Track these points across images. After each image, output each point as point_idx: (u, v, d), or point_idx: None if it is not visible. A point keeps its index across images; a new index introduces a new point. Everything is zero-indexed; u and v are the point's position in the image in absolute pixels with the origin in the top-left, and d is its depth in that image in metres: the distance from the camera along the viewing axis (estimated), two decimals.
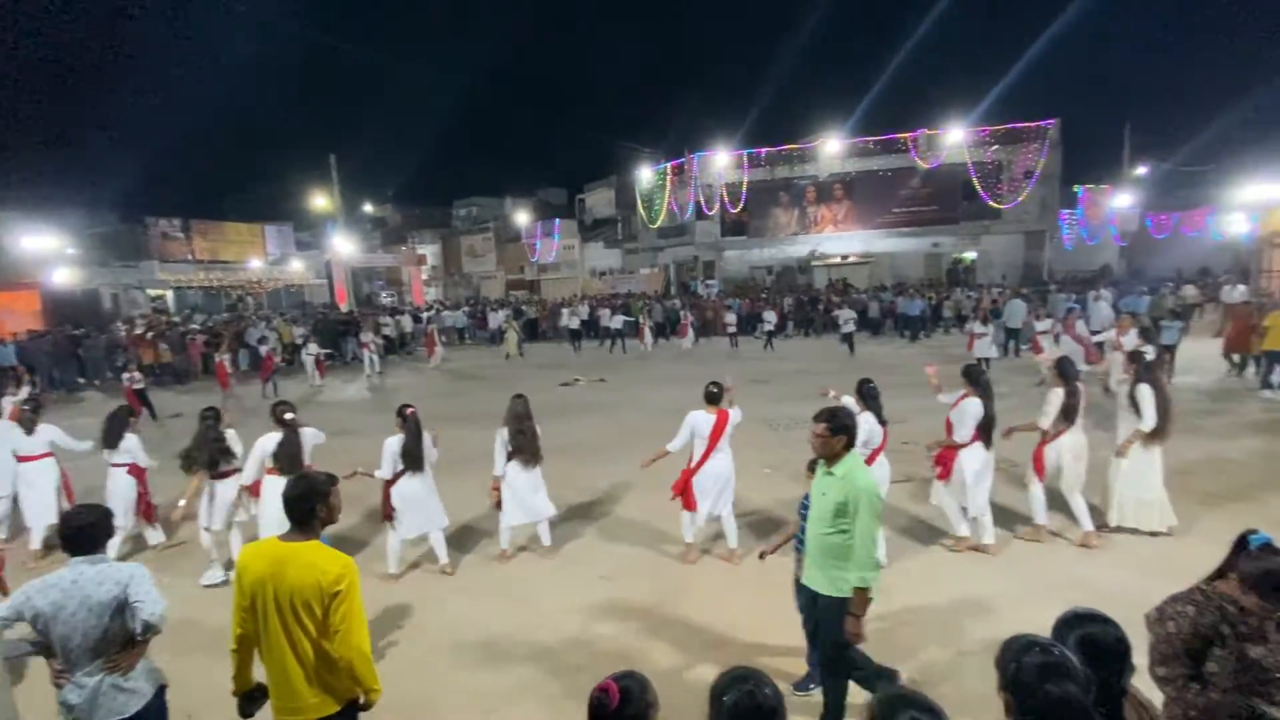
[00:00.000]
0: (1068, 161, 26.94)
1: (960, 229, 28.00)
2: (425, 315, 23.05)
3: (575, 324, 20.13)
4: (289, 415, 4.76)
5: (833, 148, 28.13)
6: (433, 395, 13.30)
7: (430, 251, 38.38)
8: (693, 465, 4.88)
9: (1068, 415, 5.02)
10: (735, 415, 4.91)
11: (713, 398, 4.90)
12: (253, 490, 4.96)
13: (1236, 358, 11.03)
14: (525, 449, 5.07)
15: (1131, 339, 7.85)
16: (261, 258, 33.52)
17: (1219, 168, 24.72)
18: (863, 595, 2.91)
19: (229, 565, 5.20)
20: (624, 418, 9.98)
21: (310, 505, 2.24)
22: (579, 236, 36.06)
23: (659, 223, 31.46)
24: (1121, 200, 26.72)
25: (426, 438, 4.98)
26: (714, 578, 4.88)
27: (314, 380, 15.27)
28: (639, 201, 32.28)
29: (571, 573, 5.03)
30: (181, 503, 4.96)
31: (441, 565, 5.08)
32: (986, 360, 12.31)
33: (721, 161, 29.32)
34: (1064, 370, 5.11)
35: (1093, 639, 1.75)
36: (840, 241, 29.15)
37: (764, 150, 29.21)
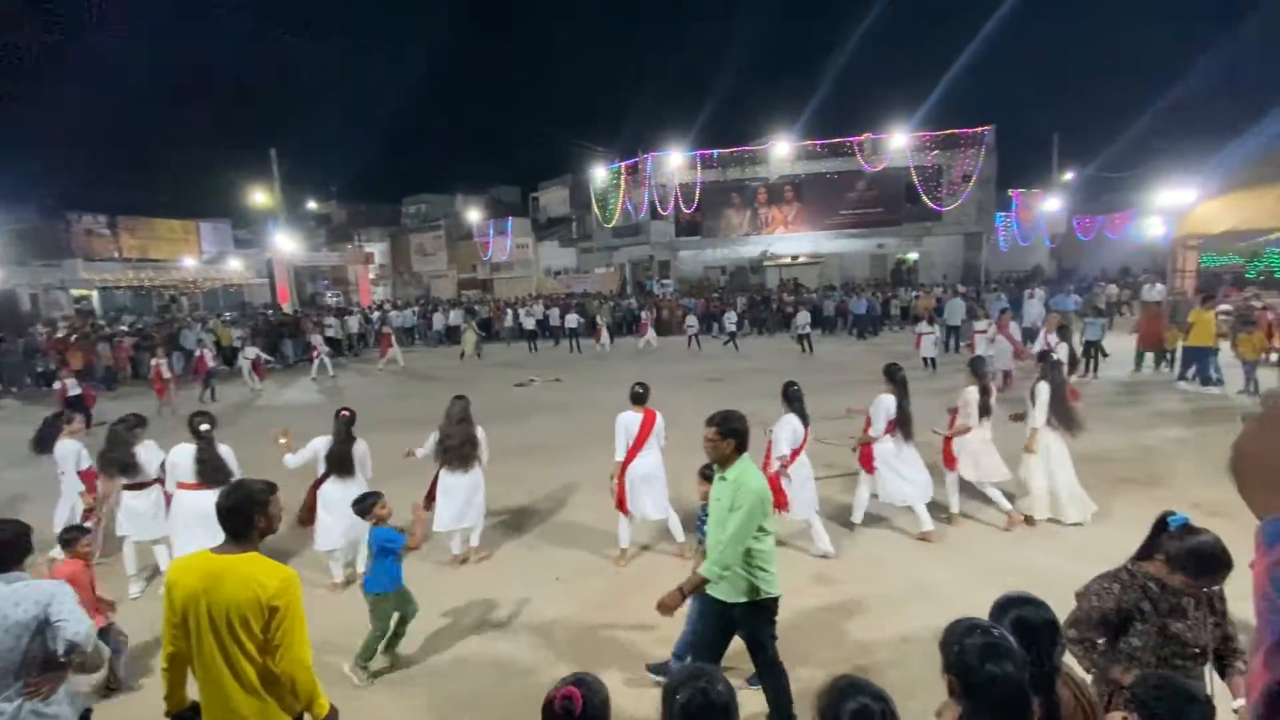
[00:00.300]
0: (1002, 166, 28.36)
1: (903, 230, 29.03)
2: (377, 315, 22.37)
3: (531, 324, 19.96)
4: (204, 427, 4.55)
5: (782, 150, 28.70)
6: (384, 397, 12.94)
7: (378, 250, 37.36)
8: (621, 465, 4.93)
9: (982, 412, 5.38)
10: (659, 422, 4.95)
11: (638, 398, 4.96)
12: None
13: (1152, 355, 11.73)
14: (451, 454, 4.98)
15: (1052, 338, 8.30)
16: (196, 256, 31.91)
17: (1139, 174, 26.39)
18: (699, 581, 2.84)
19: (152, 577, 4.98)
20: (579, 417, 9.94)
21: (247, 515, 2.14)
22: (533, 235, 35.69)
23: (614, 222, 31.44)
24: (1051, 204, 28.27)
25: (361, 445, 4.80)
26: (667, 574, 4.92)
27: (253, 384, 14.63)
28: (593, 200, 32.18)
29: (525, 576, 4.99)
30: (83, 508, 4.74)
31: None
32: (932, 360, 12.82)
33: (675, 162, 29.51)
34: (975, 369, 5.49)
35: (1026, 620, 1.86)
36: (791, 242, 29.78)
37: (716, 151, 29.57)
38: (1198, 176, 17.63)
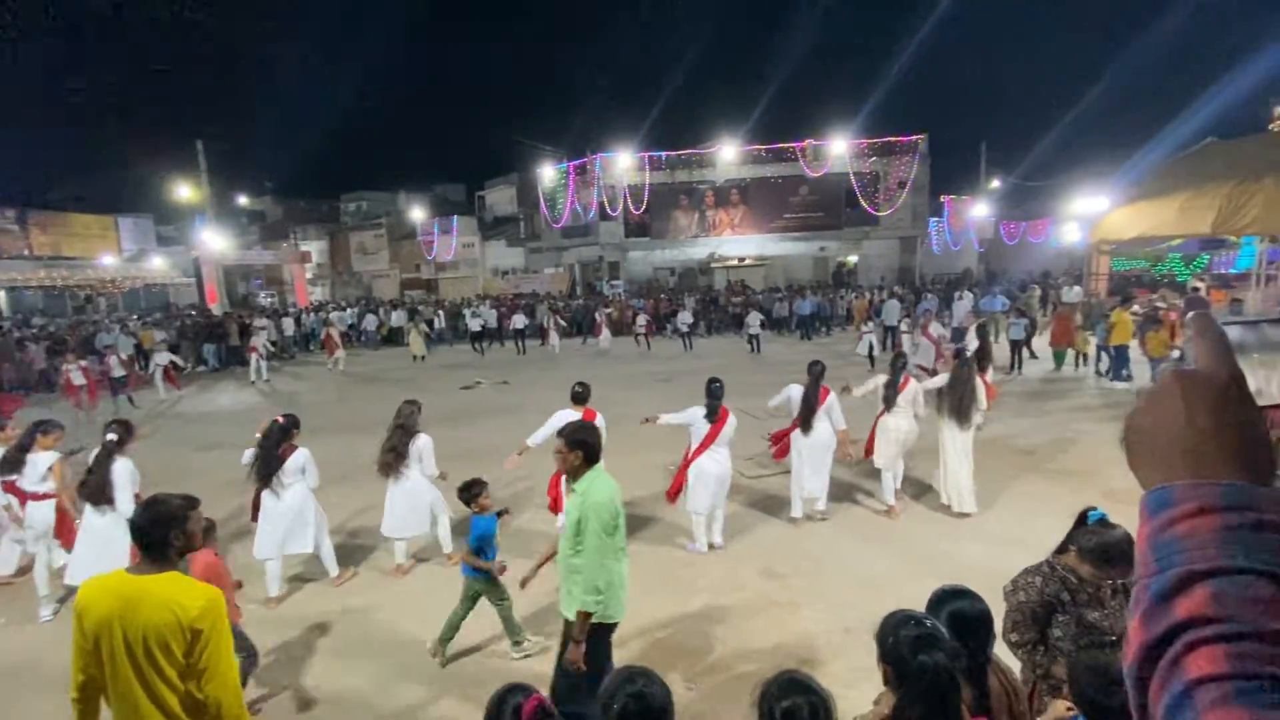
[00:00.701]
0: (935, 174, 29.71)
1: (844, 234, 30.02)
2: (320, 315, 21.37)
3: (476, 325, 19.50)
4: (110, 436, 4.27)
5: (729, 154, 29.17)
6: (327, 402, 12.42)
7: (315, 248, 35.98)
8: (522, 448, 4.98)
9: (886, 401, 5.82)
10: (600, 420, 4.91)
11: (578, 397, 5.04)
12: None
13: (1072, 354, 12.53)
14: (379, 461, 4.88)
15: (971, 335, 8.77)
16: (115, 254, 29.81)
17: (1058, 183, 28.18)
18: (584, 619, 2.66)
19: (65, 599, 4.64)
20: (529, 419, 9.77)
21: (164, 533, 2.01)
22: (479, 234, 35.07)
23: (563, 222, 31.24)
24: (979, 210, 29.83)
25: (302, 454, 4.58)
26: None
27: (162, 392, 13.72)
28: (542, 200, 31.89)
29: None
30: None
31: (332, 578, 4.89)
32: (871, 357, 13.29)
33: (624, 163, 29.55)
34: (893, 364, 6.03)
35: (961, 613, 1.94)
36: (737, 244, 30.32)
37: (664, 154, 29.79)
38: (1109, 186, 18.98)
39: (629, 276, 30.99)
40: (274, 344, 18.97)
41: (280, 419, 4.66)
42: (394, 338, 21.29)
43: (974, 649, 1.83)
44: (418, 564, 5.22)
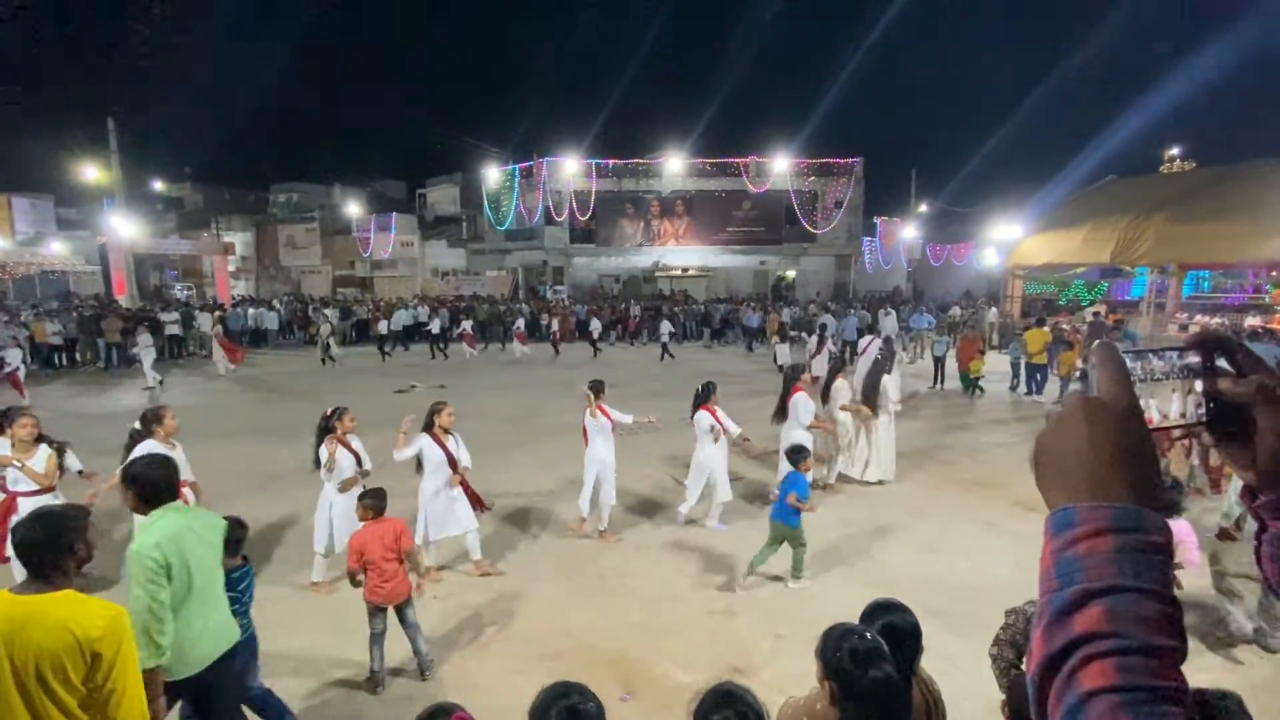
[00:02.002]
0: (869, 195, 31.22)
1: (783, 249, 31.00)
2: (217, 314, 19.89)
3: (402, 324, 18.76)
4: (136, 425, 4.21)
5: (675, 165, 29.62)
6: (237, 406, 11.71)
7: (240, 240, 34.14)
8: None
9: (779, 413, 6.39)
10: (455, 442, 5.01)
11: (594, 390, 5.61)
12: None
13: (974, 376, 12.94)
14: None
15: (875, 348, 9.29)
16: (8, 236, 27.22)
17: (979, 209, 30.05)
18: (151, 677, 2.26)
19: None
20: (466, 427, 9.56)
21: (59, 547, 1.85)
22: (419, 233, 34.16)
23: (507, 225, 30.81)
24: (909, 232, 31.44)
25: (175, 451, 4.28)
26: (553, 586, 4.87)
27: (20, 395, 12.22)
28: (485, 201, 31.39)
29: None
30: None
31: None
32: (780, 366, 14.11)
33: (570, 168, 29.47)
34: (789, 372, 6.60)
35: (893, 626, 1.96)
36: (681, 254, 30.77)
37: (611, 162, 29.91)
38: (1023, 215, 20.40)
39: (573, 282, 30.86)
40: (180, 340, 17.78)
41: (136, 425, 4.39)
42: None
43: (901, 661, 1.87)
44: (339, 580, 4.98)
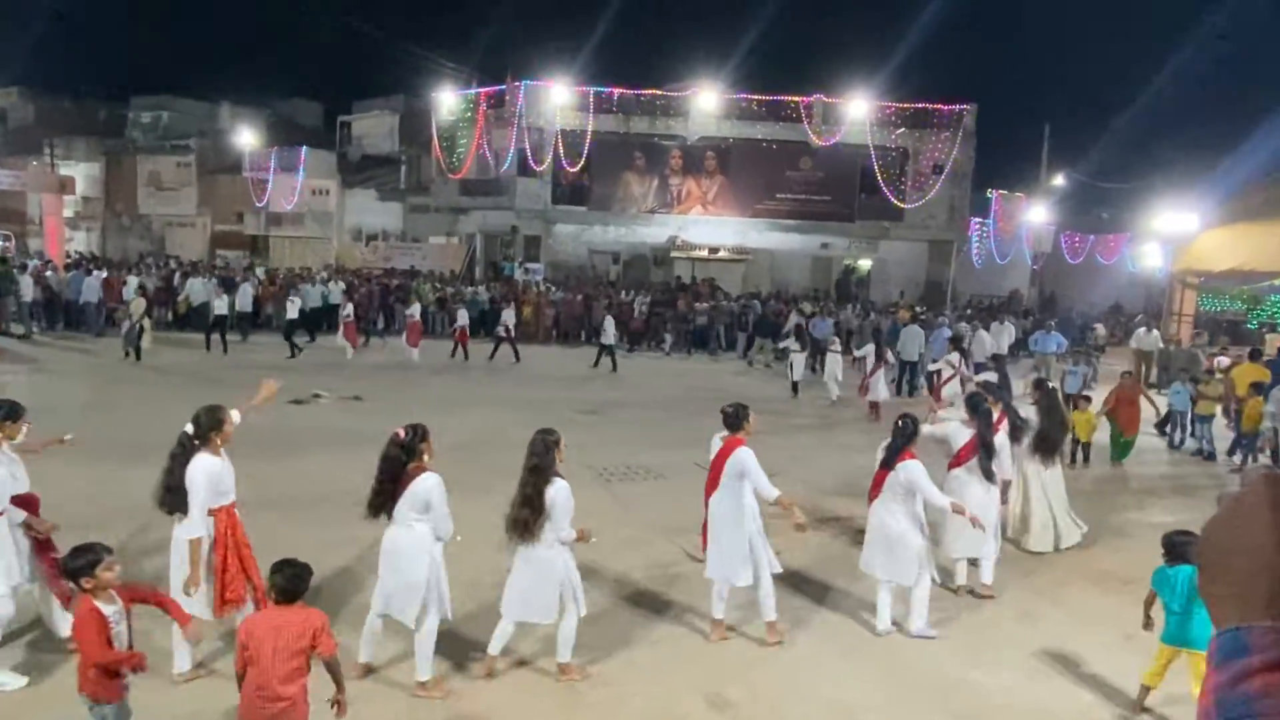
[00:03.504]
0: (982, 159, 31.35)
1: (855, 229, 31.19)
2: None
3: (294, 311, 18.62)
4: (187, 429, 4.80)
5: (707, 102, 29.85)
6: (77, 409, 11.80)
7: (83, 174, 34.43)
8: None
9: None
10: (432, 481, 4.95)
11: (731, 421, 5.78)
12: None
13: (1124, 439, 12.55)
14: (513, 519, 4.99)
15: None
16: None
17: (1138, 187, 30.21)
18: None
19: None
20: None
21: None
22: (338, 178, 34.40)
23: (464, 172, 31.04)
24: (1035, 214, 31.54)
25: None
26: (518, 690, 4.92)
27: None
28: (435, 138, 31.64)
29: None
30: None
31: None
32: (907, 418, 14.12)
33: (559, 98, 29.75)
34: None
35: None
36: (709, 228, 30.97)
37: (617, 92, 30.17)
38: (1200, 198, 20.50)
39: (553, 259, 31.05)
40: None
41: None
42: (194, 318, 20.38)
43: None
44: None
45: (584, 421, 12.51)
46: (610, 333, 18.36)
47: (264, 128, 36.05)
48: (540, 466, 4.91)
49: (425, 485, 4.74)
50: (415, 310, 18.93)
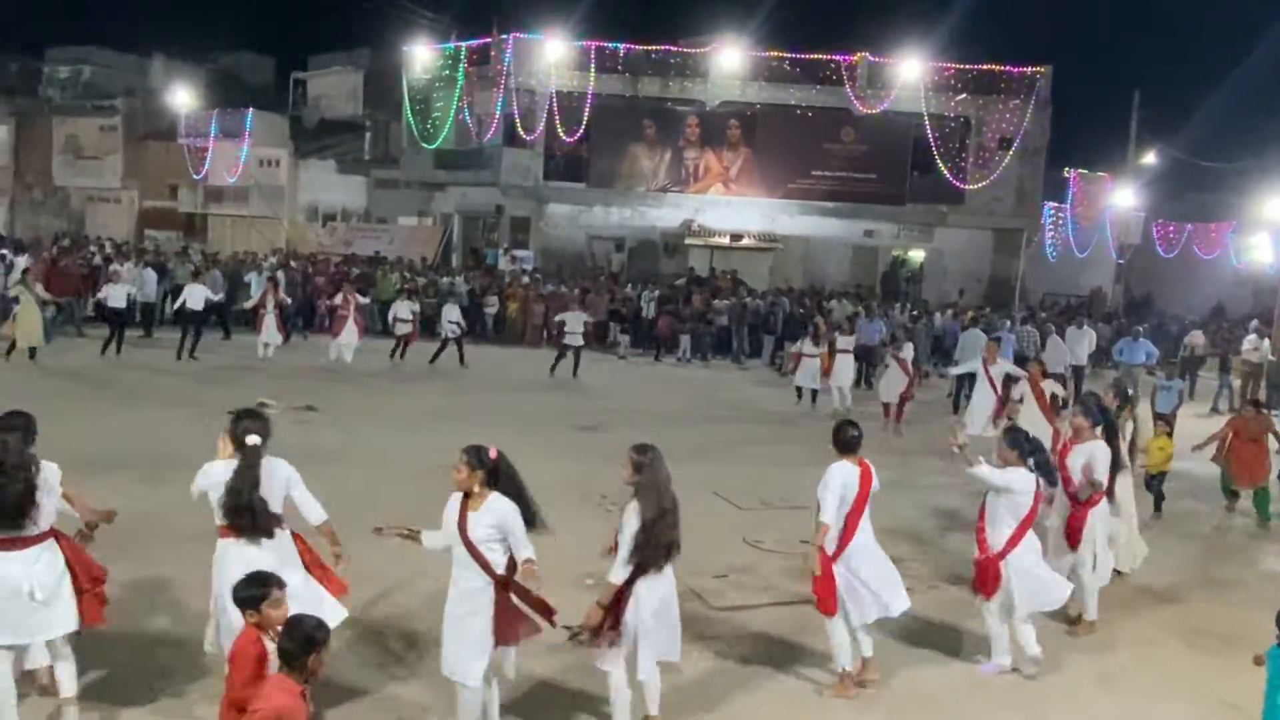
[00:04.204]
0: (1058, 133, 31.23)
1: (906, 214, 31.05)
2: None
3: (199, 303, 18.39)
4: (252, 439, 4.97)
5: (730, 60, 29.77)
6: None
7: None
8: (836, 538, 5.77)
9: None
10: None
11: (848, 444, 5.76)
12: None
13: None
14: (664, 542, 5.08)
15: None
16: None
17: (1244, 167, 29.89)
18: None
19: None
20: (348, 477, 9.52)
21: None
22: (291, 146, 34.47)
23: (440, 141, 31.02)
24: (1121, 198, 31.26)
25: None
26: None
27: None
28: (406, 101, 31.62)
29: None
30: None
31: None
32: (812, 392, 15.71)
33: (554, 54, 29.72)
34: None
35: None
36: (731, 211, 30.85)
37: (624, 47, 30.15)
38: None
39: (545, 245, 30.99)
40: None
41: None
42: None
43: None
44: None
45: (582, 440, 12.41)
46: (578, 332, 18.13)
47: (203, 86, 36.26)
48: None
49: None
50: (278, 297, 18.37)
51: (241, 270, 23.18)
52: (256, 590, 3.83)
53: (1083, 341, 18.59)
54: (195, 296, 17.89)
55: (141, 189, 35.11)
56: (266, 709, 3.28)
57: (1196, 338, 21.98)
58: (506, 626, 4.85)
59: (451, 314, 18.86)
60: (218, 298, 19.47)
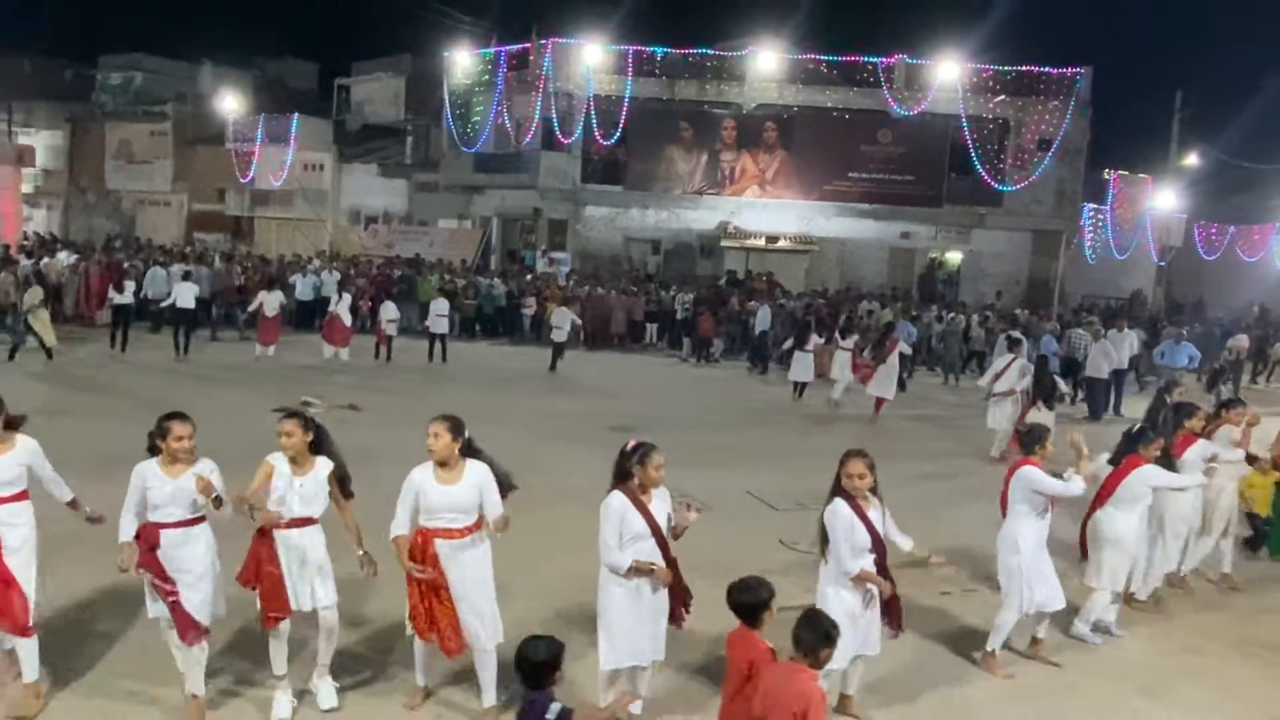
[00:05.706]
0: (1098, 133, 30.84)
1: (943, 216, 30.80)
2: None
3: (189, 301, 18.49)
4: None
5: (766, 64, 29.76)
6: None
7: (44, 144, 35.30)
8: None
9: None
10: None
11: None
12: None
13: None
14: None
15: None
16: None
17: None
18: None
19: None
20: (383, 475, 9.63)
21: None
22: (334, 150, 34.81)
23: (480, 145, 31.23)
24: (1163, 199, 30.81)
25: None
26: None
27: None
28: (447, 106, 31.89)
29: None
30: None
31: None
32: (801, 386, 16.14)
33: (592, 58, 29.83)
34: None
35: None
36: (767, 213, 30.81)
37: (661, 50, 30.16)
38: None
39: (582, 247, 31.11)
40: None
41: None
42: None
43: None
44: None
45: (617, 441, 12.46)
46: (564, 328, 18.39)
47: (250, 92, 36.67)
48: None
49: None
50: (344, 304, 18.38)
51: (285, 272, 23.29)
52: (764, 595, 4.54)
53: (1123, 345, 18.34)
54: (185, 295, 18.20)
55: (190, 192, 35.68)
56: None
57: (1241, 341, 21.58)
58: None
59: (389, 312, 18.95)
60: (207, 296, 20.00)
